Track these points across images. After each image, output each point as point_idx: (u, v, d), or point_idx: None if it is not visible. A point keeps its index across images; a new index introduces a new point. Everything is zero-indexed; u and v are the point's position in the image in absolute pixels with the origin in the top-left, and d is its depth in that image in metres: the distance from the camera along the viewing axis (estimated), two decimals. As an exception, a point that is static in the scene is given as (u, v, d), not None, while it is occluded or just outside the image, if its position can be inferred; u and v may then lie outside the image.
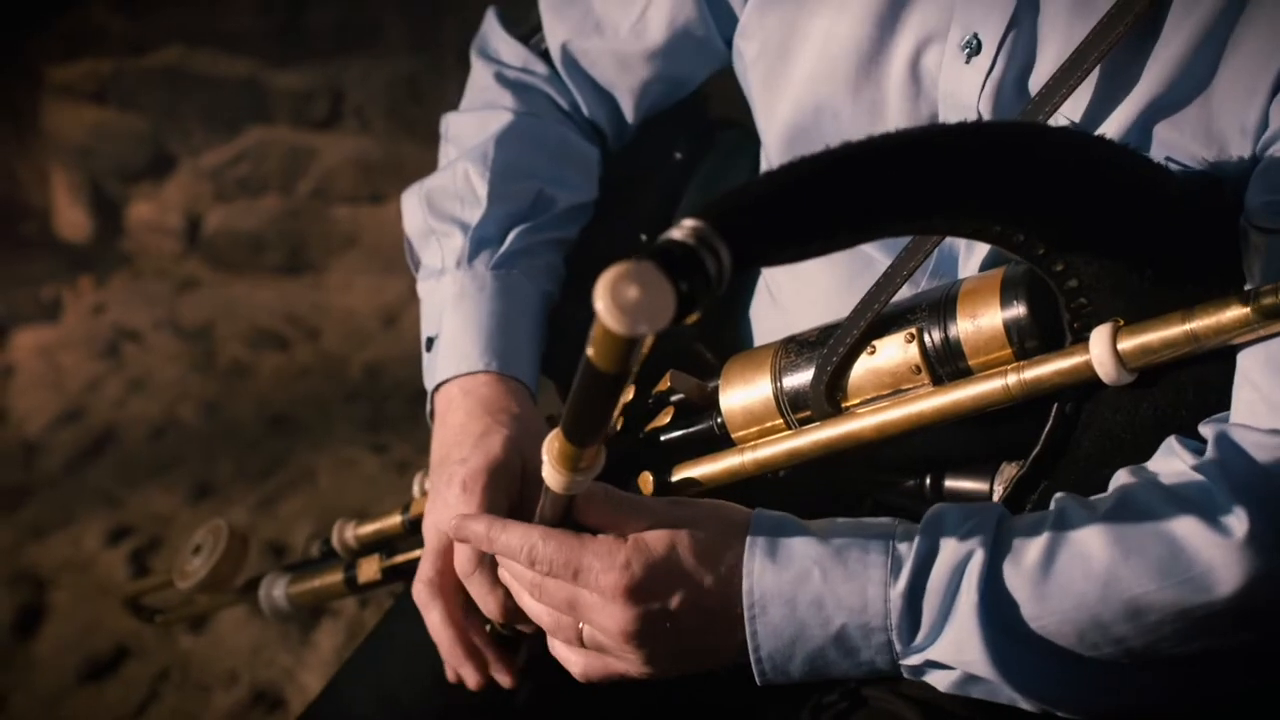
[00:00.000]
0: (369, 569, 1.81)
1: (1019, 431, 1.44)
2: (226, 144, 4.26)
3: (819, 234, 1.24)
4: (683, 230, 1.13)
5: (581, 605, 1.41)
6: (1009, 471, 1.46)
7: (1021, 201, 1.32)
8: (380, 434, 3.60)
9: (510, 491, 1.58)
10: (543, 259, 1.78)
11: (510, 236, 1.76)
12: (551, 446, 1.30)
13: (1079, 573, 1.33)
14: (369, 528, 1.86)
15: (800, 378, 1.52)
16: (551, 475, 1.32)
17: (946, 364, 1.44)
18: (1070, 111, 1.45)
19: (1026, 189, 1.31)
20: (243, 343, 4.02)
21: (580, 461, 1.30)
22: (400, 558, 1.75)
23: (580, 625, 1.43)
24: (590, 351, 1.11)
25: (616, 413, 1.24)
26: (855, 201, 1.24)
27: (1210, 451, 1.33)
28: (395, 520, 1.83)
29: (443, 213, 1.78)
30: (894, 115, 1.54)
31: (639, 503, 1.43)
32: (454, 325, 1.74)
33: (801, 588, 1.39)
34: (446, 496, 1.59)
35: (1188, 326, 1.32)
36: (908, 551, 1.37)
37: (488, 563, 1.56)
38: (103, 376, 3.87)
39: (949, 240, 1.56)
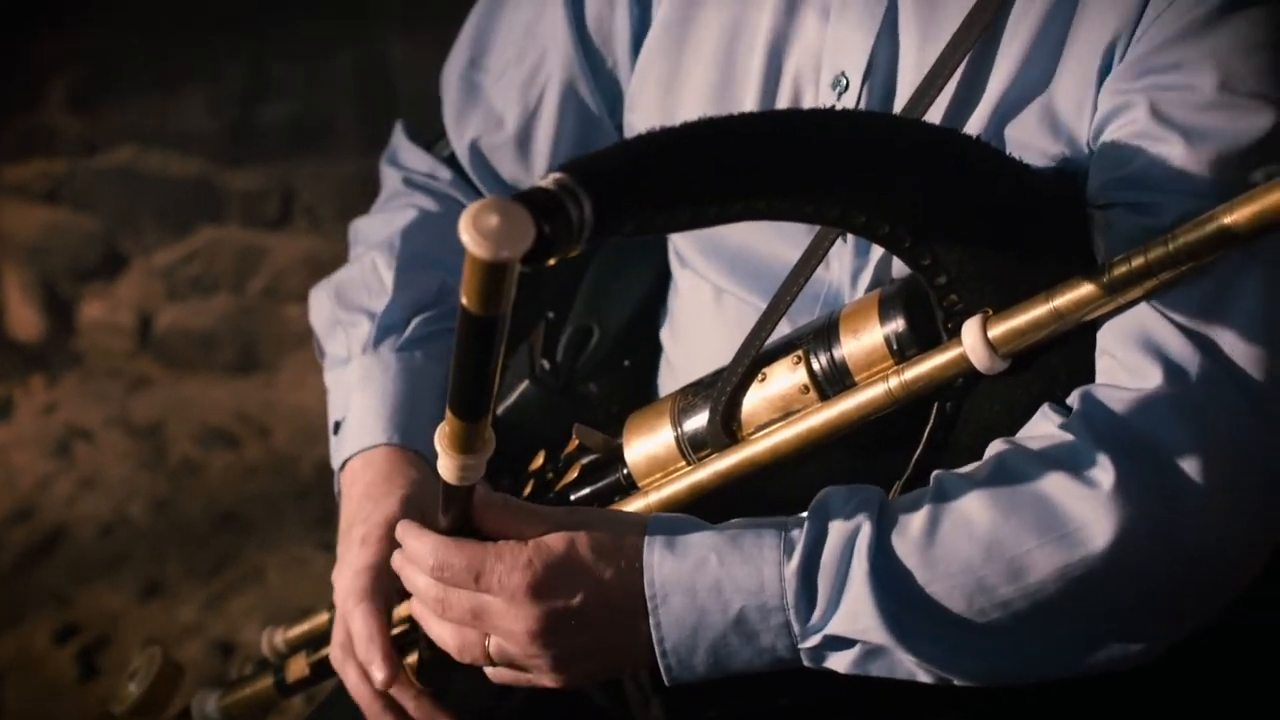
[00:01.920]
0: (297, 667, 1.83)
1: (911, 453, 1.49)
2: (178, 243, 4.28)
3: (681, 199, 1.28)
4: (548, 179, 1.19)
5: (486, 612, 1.44)
6: (898, 487, 1.49)
7: (878, 181, 1.37)
8: (330, 532, 3.60)
9: None
10: (444, 344, 1.82)
11: (414, 323, 1.81)
12: (442, 433, 1.33)
13: (963, 536, 1.38)
14: (298, 629, 1.88)
15: (698, 419, 1.57)
16: (445, 464, 1.34)
17: (834, 383, 1.50)
18: None
19: (883, 169, 1.37)
20: (193, 441, 4.02)
21: (472, 442, 1.32)
22: (326, 649, 1.76)
23: (487, 641, 1.46)
24: (463, 299, 1.15)
25: (497, 376, 1.25)
26: (715, 168, 1.29)
27: (1079, 411, 1.39)
28: (324, 619, 1.84)
29: (350, 303, 1.83)
30: None
31: (538, 510, 1.47)
32: (359, 406, 1.77)
33: (700, 574, 1.42)
34: (348, 557, 1.63)
35: (1051, 305, 1.38)
36: (799, 533, 1.41)
37: (374, 597, 1.60)
38: (53, 475, 3.87)
39: (835, 281, 1.63)
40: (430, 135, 1.94)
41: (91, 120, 4.32)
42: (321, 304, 1.87)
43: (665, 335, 1.90)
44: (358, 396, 1.78)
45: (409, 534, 1.49)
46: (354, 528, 1.67)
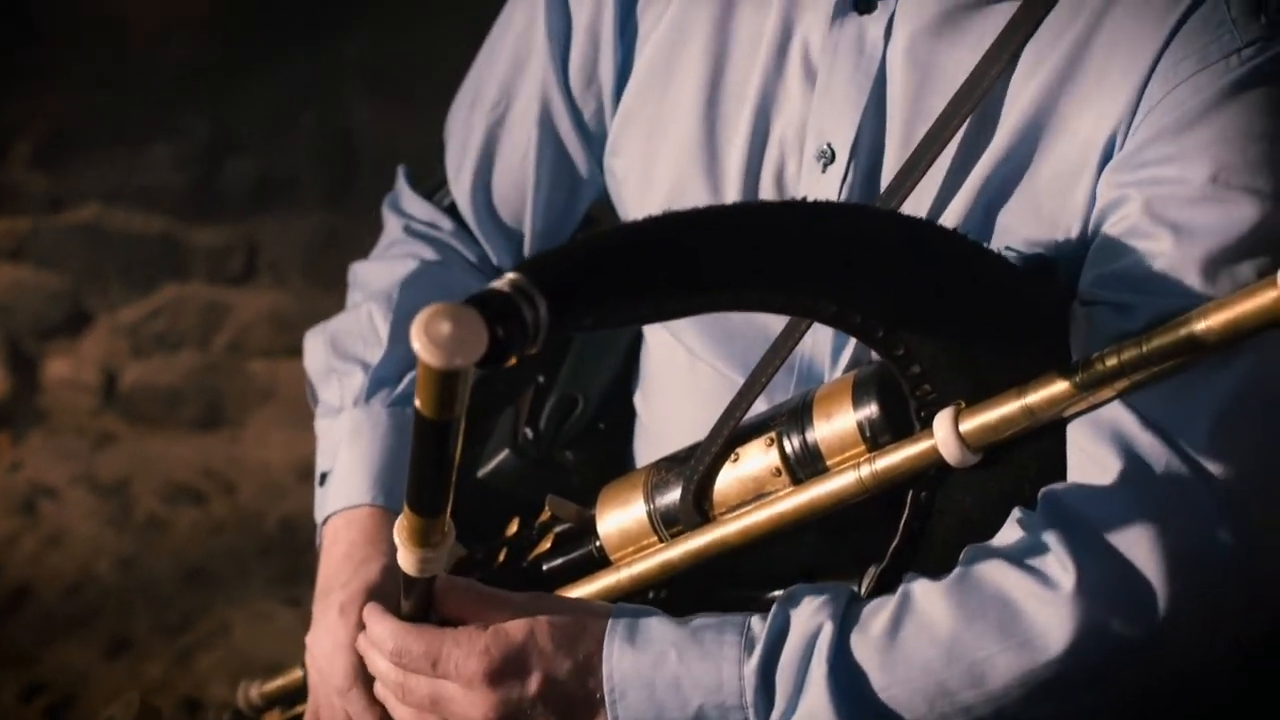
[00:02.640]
0: (271, 725, 1.82)
1: (884, 537, 1.48)
2: (143, 300, 4.28)
3: (640, 295, 1.28)
4: (502, 281, 1.18)
5: (444, 699, 1.44)
6: (873, 573, 1.49)
7: (848, 277, 1.36)
8: (296, 587, 3.61)
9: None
10: None
11: (407, 379, 1.80)
12: (401, 526, 1.33)
13: (924, 639, 1.37)
14: (274, 684, 1.88)
15: (671, 494, 1.56)
16: (404, 556, 1.35)
17: (806, 466, 1.49)
18: (913, 207, 1.51)
19: (853, 262, 1.36)
20: (159, 498, 4.01)
21: (430, 536, 1.32)
22: (300, 707, 1.76)
23: None
24: (417, 402, 1.15)
25: (454, 473, 1.25)
26: (677, 264, 1.28)
27: (1040, 509, 1.38)
28: (297, 675, 1.84)
29: (345, 352, 1.82)
30: None
31: (500, 595, 1.47)
32: (347, 461, 1.77)
33: (659, 670, 1.42)
34: (325, 623, 1.62)
35: (1023, 402, 1.37)
36: (761, 629, 1.41)
37: (364, 680, 1.57)
38: (18, 533, 3.87)
39: (810, 358, 1.63)
40: (430, 185, 1.93)
41: (56, 177, 4.33)
42: (317, 350, 1.86)
43: (638, 399, 1.90)
44: (346, 450, 1.78)
45: (372, 617, 1.49)
46: (333, 592, 1.66)
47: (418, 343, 1.09)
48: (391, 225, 1.93)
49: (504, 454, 1.90)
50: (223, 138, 4.19)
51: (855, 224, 1.39)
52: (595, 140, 1.80)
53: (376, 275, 1.87)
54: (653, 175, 1.71)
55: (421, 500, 1.28)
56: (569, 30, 1.76)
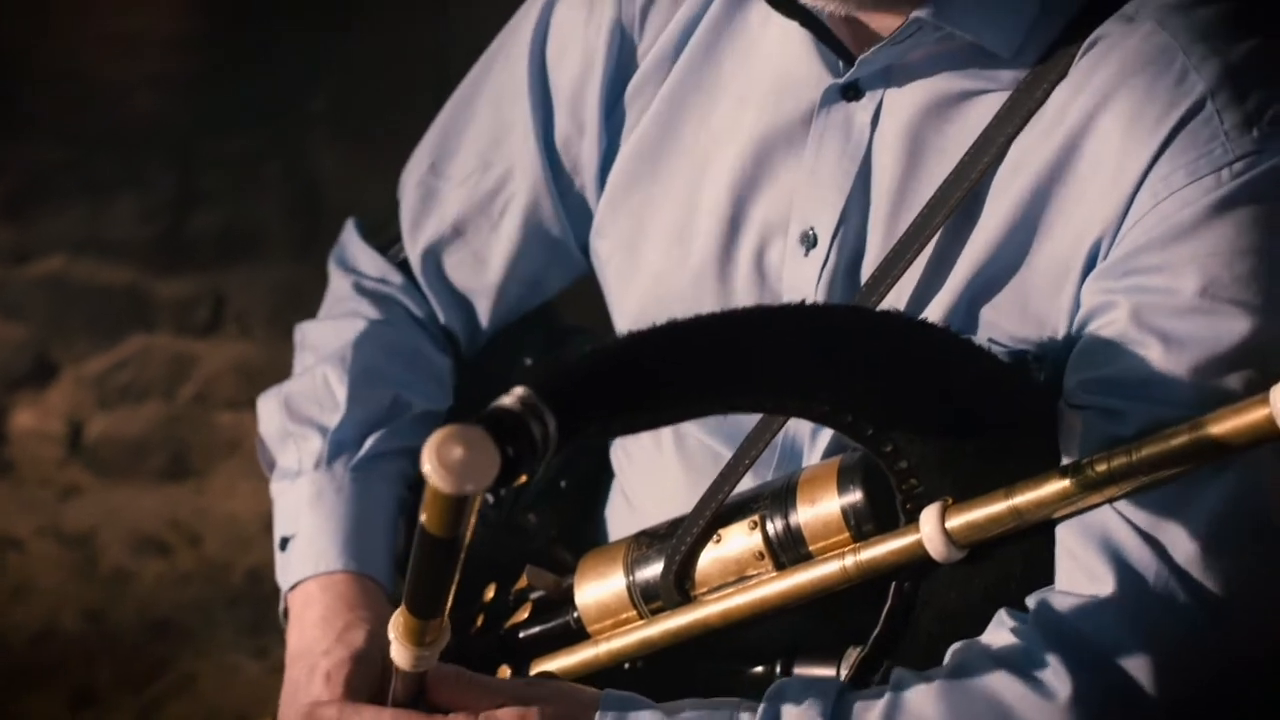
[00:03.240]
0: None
1: (866, 617, 1.48)
2: (109, 351, 4.28)
3: (643, 407, 1.29)
4: (511, 397, 1.18)
5: None
6: (855, 655, 1.49)
7: (839, 381, 1.37)
8: (263, 639, 3.60)
9: (372, 684, 1.60)
10: (398, 465, 1.81)
11: (369, 442, 1.79)
12: (397, 623, 1.33)
13: None
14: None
15: (651, 570, 1.56)
16: (399, 652, 1.35)
17: (789, 550, 1.49)
18: (896, 298, 1.53)
19: (843, 368, 1.37)
20: (125, 549, 4.01)
21: (425, 636, 1.33)
22: (266, 760, 1.75)
23: None
24: (423, 517, 1.15)
25: (454, 583, 1.26)
26: (677, 377, 1.30)
27: (1033, 618, 1.38)
28: None
29: (301, 416, 1.81)
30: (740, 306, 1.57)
31: (490, 682, 1.47)
32: (311, 525, 1.76)
33: None
34: (308, 688, 1.62)
35: (1011, 503, 1.38)
36: (749, 718, 1.41)
37: None
38: (-17, 585, 3.86)
39: (793, 433, 1.62)
40: (385, 238, 1.91)
41: (21, 229, 4.33)
42: (271, 414, 1.85)
43: (620, 462, 1.88)
44: (309, 515, 1.77)
45: (348, 712, 1.50)
46: (313, 656, 1.65)
47: (429, 467, 1.09)
48: (339, 282, 1.92)
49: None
50: (189, 190, 4.20)
51: (848, 325, 1.40)
52: (576, 217, 1.80)
53: (326, 337, 1.86)
54: (637, 259, 1.72)
55: (421, 606, 1.29)
56: (551, 111, 1.77)
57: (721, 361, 1.32)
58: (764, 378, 1.35)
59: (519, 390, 1.19)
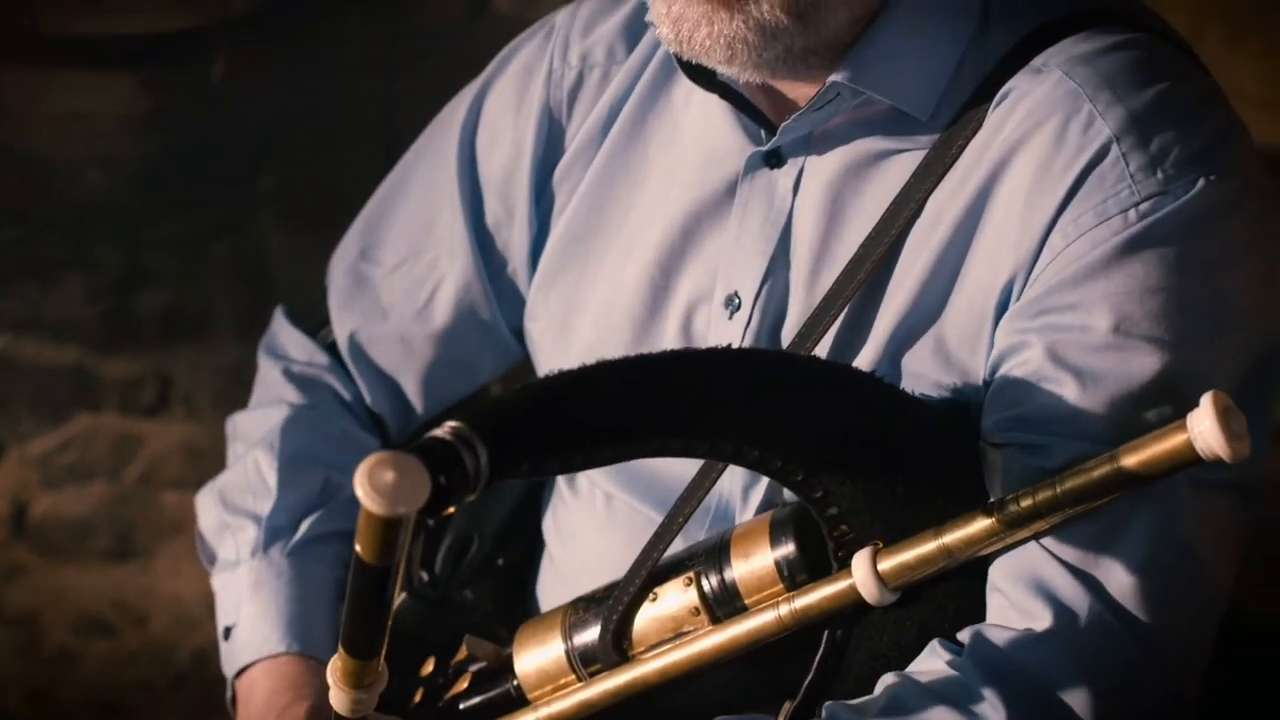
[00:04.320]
0: None
1: (801, 669, 1.55)
2: (54, 431, 4.29)
3: (575, 444, 1.33)
4: (444, 429, 1.24)
5: None
6: (788, 708, 1.54)
7: (767, 423, 1.43)
8: (208, 719, 3.83)
9: None
10: (333, 548, 1.90)
11: (303, 526, 1.89)
12: (334, 667, 1.38)
13: None
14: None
15: (589, 633, 1.62)
16: (337, 697, 1.40)
17: (724, 605, 1.55)
18: (820, 354, 1.61)
19: (775, 407, 1.43)
20: (70, 630, 4.17)
21: (363, 678, 1.38)
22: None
23: None
24: (357, 547, 1.20)
25: (389, 618, 1.30)
26: (606, 414, 1.35)
27: (968, 651, 1.45)
28: None
29: (236, 507, 1.90)
30: None
31: None
32: (253, 612, 1.84)
33: None
34: None
35: (940, 542, 1.44)
36: None
37: None
38: (-73, 667, 3.99)
39: (725, 494, 1.69)
40: (314, 322, 2.00)
41: (-36, 309, 4.24)
42: (208, 508, 1.92)
43: (550, 535, 1.94)
44: (250, 603, 1.84)
45: None
46: None
47: (361, 490, 1.14)
48: (268, 370, 2.01)
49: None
50: (136, 269, 4.12)
51: (777, 370, 1.46)
52: (505, 301, 1.90)
53: (255, 424, 1.95)
54: (569, 337, 1.81)
55: (357, 643, 1.33)
56: (481, 197, 1.88)
57: (651, 401, 1.37)
58: (693, 418, 1.39)
59: (452, 422, 1.25)
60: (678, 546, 1.59)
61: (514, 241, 1.82)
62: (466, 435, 1.22)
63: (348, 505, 1.85)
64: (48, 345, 4.20)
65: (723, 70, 1.57)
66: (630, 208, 1.73)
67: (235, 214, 4.18)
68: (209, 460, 4.34)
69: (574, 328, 1.77)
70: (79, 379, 4.25)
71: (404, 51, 4.00)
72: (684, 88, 1.71)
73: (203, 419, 4.29)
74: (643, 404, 1.35)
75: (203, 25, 3.70)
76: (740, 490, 1.66)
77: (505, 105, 1.84)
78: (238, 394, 4.28)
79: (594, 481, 1.81)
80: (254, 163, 4.09)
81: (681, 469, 1.62)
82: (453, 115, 1.89)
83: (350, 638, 1.32)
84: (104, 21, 3.75)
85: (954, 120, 1.55)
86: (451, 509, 1.20)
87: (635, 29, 1.78)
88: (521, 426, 1.28)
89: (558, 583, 1.90)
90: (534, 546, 1.97)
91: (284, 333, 1.99)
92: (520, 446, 1.27)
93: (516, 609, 1.93)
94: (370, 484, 1.12)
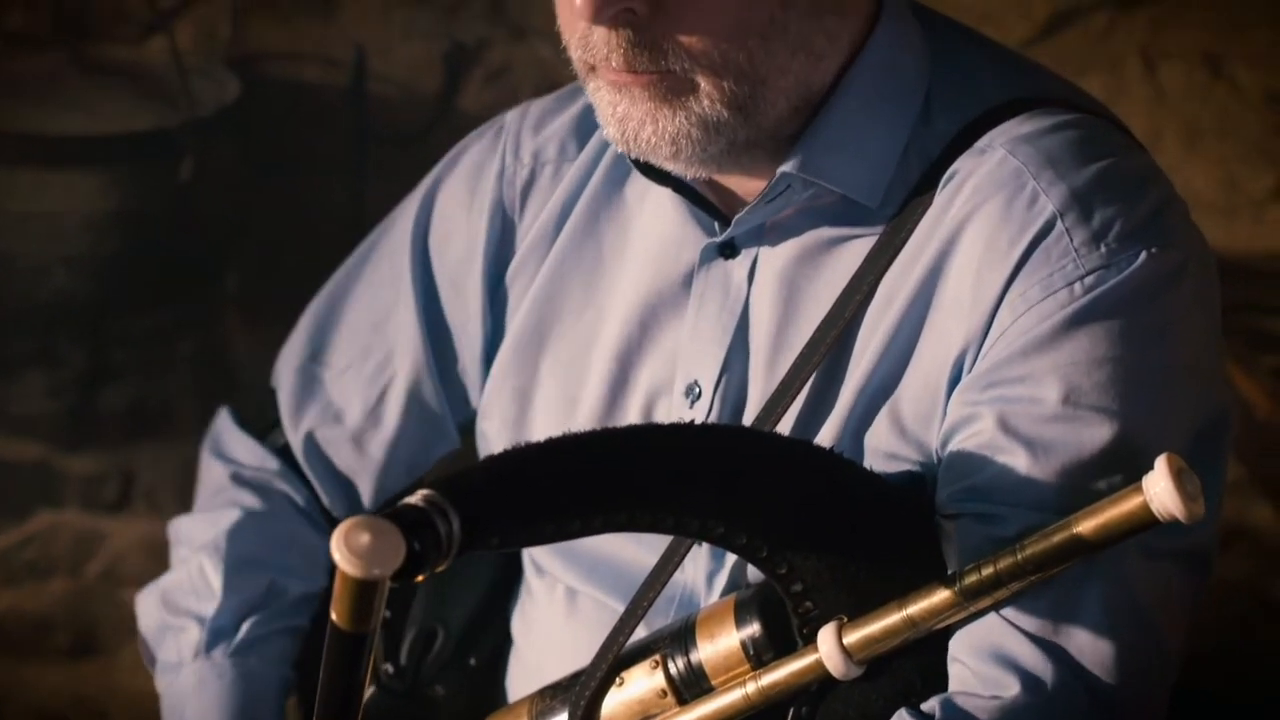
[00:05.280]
0: None
1: None
2: (15, 528, 4.30)
3: (544, 515, 1.33)
4: (417, 496, 1.24)
5: None
6: None
7: (732, 499, 1.42)
8: (164, 816, 3.83)
9: None
10: (277, 646, 1.85)
11: (245, 627, 1.82)
12: None
13: None
14: None
15: None
16: None
17: (692, 687, 1.53)
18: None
19: (741, 483, 1.42)
20: (30, 726, 4.14)
21: None
22: None
23: None
24: (333, 615, 1.20)
25: (364, 689, 1.29)
26: (578, 484, 1.35)
27: (937, 718, 1.44)
28: None
29: (178, 608, 1.84)
30: None
31: None
32: (197, 713, 1.79)
33: None
34: None
35: (904, 613, 1.42)
36: None
37: None
38: (-116, 766, 3.98)
39: (689, 580, 1.67)
40: (263, 425, 1.94)
41: (-74, 405, 4.26)
42: (149, 610, 1.88)
43: (517, 630, 1.91)
44: (193, 705, 1.79)
45: None
46: None
47: (338, 554, 1.14)
48: (215, 472, 1.95)
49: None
50: (99, 366, 4.16)
51: (742, 446, 1.45)
52: (458, 401, 1.87)
53: (200, 528, 1.89)
54: (525, 436, 1.77)
55: (331, 714, 1.31)
56: (435, 297, 1.84)
57: (619, 474, 1.37)
58: (661, 492, 1.39)
59: (424, 490, 1.25)
60: (641, 633, 1.59)
61: (467, 340, 1.82)
62: (439, 502, 1.23)
63: (293, 605, 1.85)
64: (10, 441, 4.23)
65: (669, 167, 1.59)
66: (586, 303, 1.74)
67: (200, 312, 4.23)
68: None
69: (530, 424, 1.76)
70: (41, 475, 4.27)
71: (371, 152, 4.07)
72: (637, 183, 1.72)
73: (165, 515, 4.23)
74: (611, 477, 1.36)
75: (171, 125, 3.75)
76: (704, 577, 1.65)
77: (457, 203, 1.84)
78: (200, 490, 4.34)
79: (557, 575, 1.80)
80: (220, 262, 4.14)
81: (646, 560, 1.62)
82: (404, 214, 1.88)
83: (324, 709, 1.30)
84: (73, 121, 3.81)
85: (903, 205, 1.57)
86: (422, 576, 1.21)
87: (586, 126, 1.79)
88: (492, 496, 1.29)
89: (525, 676, 1.87)
90: (504, 644, 1.94)
91: (231, 436, 1.94)
92: (491, 515, 1.28)
93: (486, 705, 1.85)
94: (347, 546, 1.13)
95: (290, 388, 1.89)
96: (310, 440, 1.88)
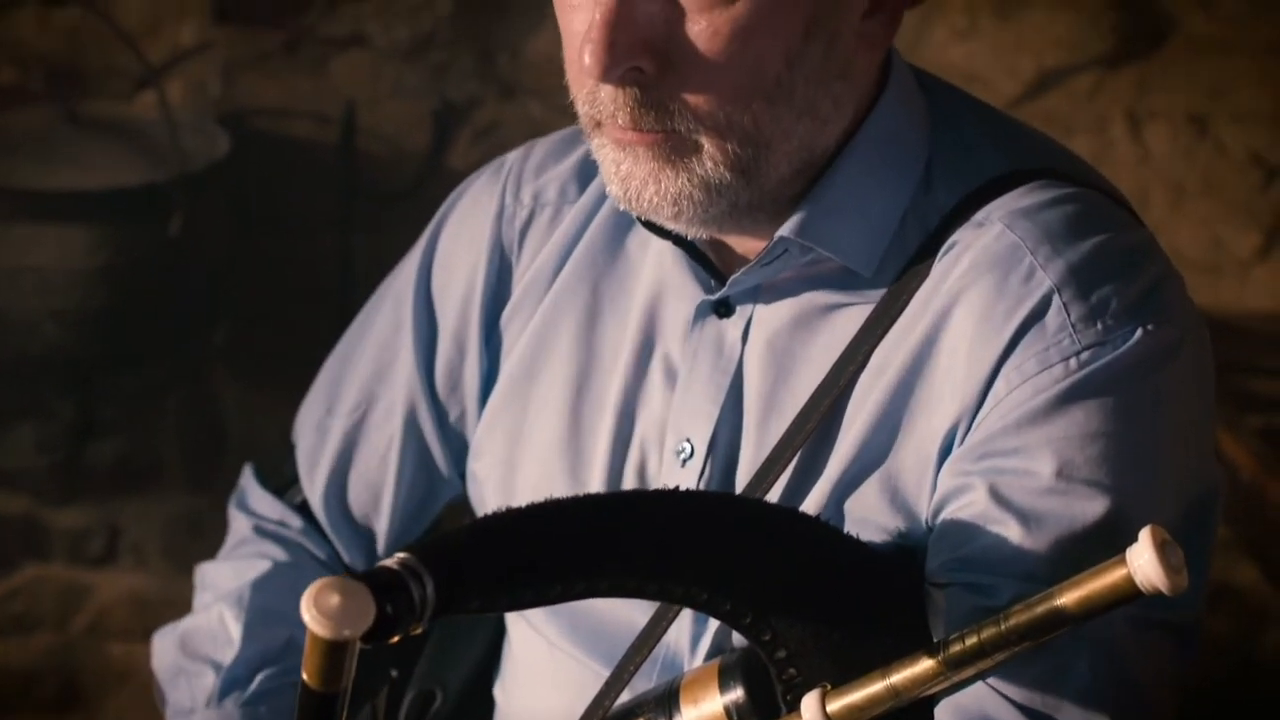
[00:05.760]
0: None
1: None
2: (2, 581, 4.31)
3: (524, 581, 1.33)
4: (392, 559, 1.25)
5: None
6: None
7: (715, 565, 1.42)
8: None
9: None
10: (288, 700, 1.85)
11: (259, 678, 1.85)
12: None
13: None
14: None
15: None
16: None
17: None
18: (771, 500, 1.61)
19: (725, 549, 1.42)
20: (15, 779, 4.14)
21: None
22: None
23: None
24: (304, 674, 1.21)
25: None
26: (559, 549, 1.35)
27: None
28: None
29: (196, 653, 1.87)
30: None
31: None
32: None
33: None
34: None
35: (888, 682, 1.42)
36: None
37: None
38: None
39: (673, 645, 1.67)
40: (280, 481, 1.97)
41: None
42: (165, 650, 1.89)
43: (498, 691, 1.92)
44: None
45: None
46: None
47: (307, 614, 1.15)
48: (240, 524, 1.97)
49: None
50: (88, 420, 4.17)
51: (728, 514, 1.45)
52: (457, 444, 1.88)
53: (225, 576, 1.91)
54: (515, 479, 1.79)
55: None
56: (435, 337, 1.85)
57: (602, 540, 1.37)
58: (644, 559, 1.39)
59: (400, 554, 1.26)
60: (625, 697, 1.60)
61: (466, 382, 1.83)
62: (414, 565, 1.24)
63: None
64: (-2, 494, 4.24)
65: (671, 227, 1.61)
66: (579, 348, 1.75)
67: (189, 367, 4.24)
68: (157, 611, 4.35)
69: (519, 467, 1.77)
70: (28, 528, 4.28)
71: (359, 210, 4.08)
72: (638, 231, 1.74)
73: (151, 570, 4.32)
74: (594, 543, 1.36)
75: (161, 181, 3.76)
76: (688, 640, 1.66)
77: (458, 244, 1.86)
78: (187, 545, 4.35)
79: (541, 633, 1.80)
80: (209, 317, 4.15)
81: (629, 621, 1.64)
82: (410, 258, 1.91)
83: None
84: (65, 176, 3.82)
85: (899, 275, 1.58)
86: (396, 638, 1.21)
87: (589, 170, 1.80)
88: (471, 561, 1.29)
89: (509, 745, 1.84)
90: (489, 715, 1.95)
91: (254, 492, 1.96)
92: (468, 579, 1.28)
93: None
94: (316, 607, 1.14)
95: (308, 443, 1.92)
96: (325, 494, 1.90)
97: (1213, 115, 4.13)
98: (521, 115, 4.06)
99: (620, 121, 1.53)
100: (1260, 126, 4.13)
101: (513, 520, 1.35)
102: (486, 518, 1.34)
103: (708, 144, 1.52)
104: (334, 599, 1.15)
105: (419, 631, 1.25)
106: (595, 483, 1.72)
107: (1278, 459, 3.55)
